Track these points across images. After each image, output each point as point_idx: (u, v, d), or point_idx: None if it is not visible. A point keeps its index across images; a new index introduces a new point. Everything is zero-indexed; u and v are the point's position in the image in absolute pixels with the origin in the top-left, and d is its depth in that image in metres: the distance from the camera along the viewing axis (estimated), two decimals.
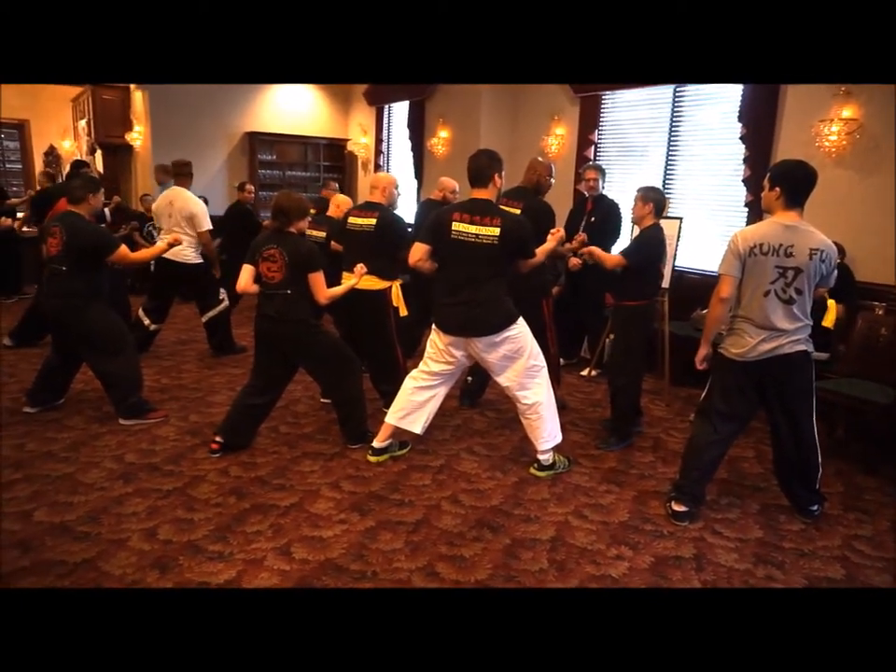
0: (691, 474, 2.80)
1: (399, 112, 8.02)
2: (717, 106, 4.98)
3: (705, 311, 4.45)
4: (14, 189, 10.70)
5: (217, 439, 3.22)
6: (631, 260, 3.36)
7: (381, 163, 8.32)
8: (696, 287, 4.82)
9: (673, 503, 2.80)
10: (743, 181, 4.65)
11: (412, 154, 7.53)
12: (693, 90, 5.13)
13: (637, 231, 3.60)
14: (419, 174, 7.49)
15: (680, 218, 4.39)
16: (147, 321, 4.76)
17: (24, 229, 6.92)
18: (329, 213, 4.27)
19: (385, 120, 8.26)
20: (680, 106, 5.23)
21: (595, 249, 3.51)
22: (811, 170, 2.52)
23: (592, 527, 2.72)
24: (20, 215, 6.90)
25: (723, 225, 4.96)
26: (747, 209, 4.67)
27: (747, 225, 4.23)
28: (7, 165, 10.96)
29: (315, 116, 8.74)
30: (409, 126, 7.49)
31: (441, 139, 7.09)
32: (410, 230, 4.06)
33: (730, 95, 4.81)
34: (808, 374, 2.67)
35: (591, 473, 3.23)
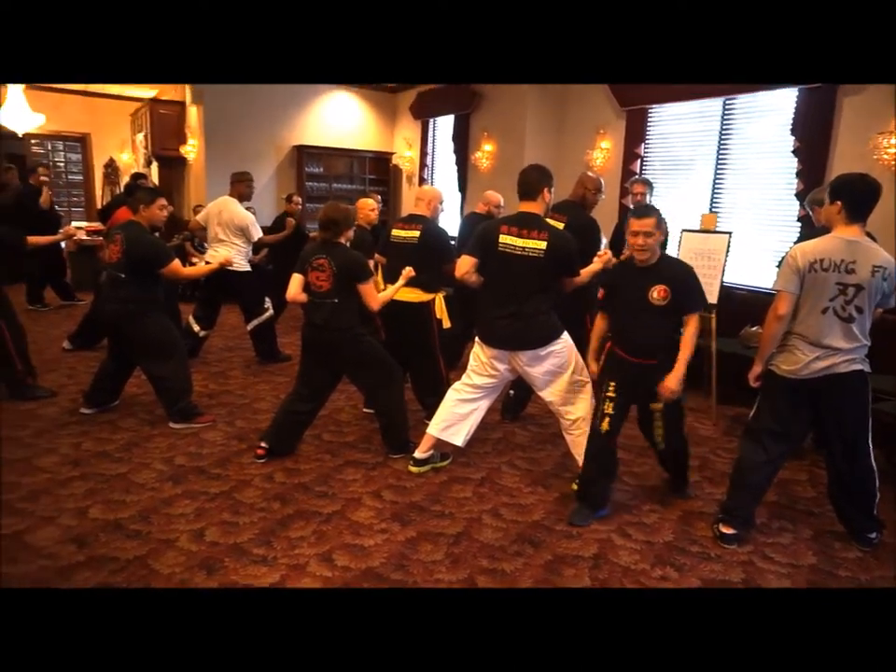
0: (739, 496, 2.72)
1: (444, 126, 8.11)
2: (768, 119, 4.88)
3: (754, 328, 4.37)
4: (75, 199, 11.23)
5: (263, 444, 3.29)
6: None
7: (425, 177, 8.41)
8: (745, 303, 4.71)
9: (721, 525, 2.73)
10: (796, 195, 4.54)
11: (456, 167, 7.59)
12: (743, 102, 5.05)
13: None
14: (463, 187, 7.55)
15: (729, 233, 4.30)
16: (196, 328, 4.90)
17: (83, 237, 7.25)
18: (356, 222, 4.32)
19: (430, 134, 8.36)
20: (730, 119, 5.14)
21: None
22: (874, 183, 2.44)
23: (635, 546, 2.66)
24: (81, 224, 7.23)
25: (775, 240, 4.84)
26: (800, 224, 4.55)
27: (799, 240, 4.12)
28: (70, 177, 11.49)
29: (361, 129, 8.90)
30: (454, 139, 7.56)
31: (485, 152, 7.13)
32: (452, 243, 4.09)
33: (782, 107, 4.71)
34: (864, 395, 2.57)
35: (634, 491, 3.17)
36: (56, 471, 3.06)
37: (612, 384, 2.78)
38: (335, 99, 8.59)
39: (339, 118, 8.68)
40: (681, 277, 2.72)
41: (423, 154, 8.43)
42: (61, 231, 6.48)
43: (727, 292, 4.58)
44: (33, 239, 4.17)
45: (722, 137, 5.18)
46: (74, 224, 8.13)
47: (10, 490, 2.86)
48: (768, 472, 2.72)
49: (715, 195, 5.26)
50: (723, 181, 5.23)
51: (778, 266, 2.67)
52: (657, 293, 2.68)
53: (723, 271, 4.21)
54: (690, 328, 2.75)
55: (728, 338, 4.47)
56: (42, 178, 6.58)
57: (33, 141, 10.86)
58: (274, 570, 2.36)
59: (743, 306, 4.66)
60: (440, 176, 8.35)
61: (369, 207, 4.26)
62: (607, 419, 2.76)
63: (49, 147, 11.40)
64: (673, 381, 2.68)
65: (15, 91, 8.35)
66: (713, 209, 5.23)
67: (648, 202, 4.60)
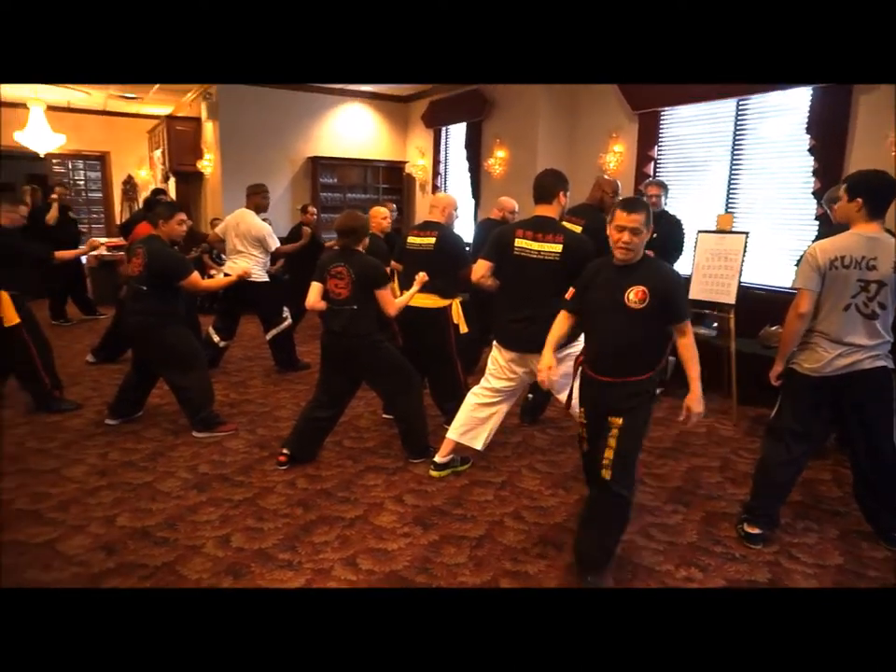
0: (763, 495, 2.70)
1: (456, 134, 8.17)
2: (783, 118, 4.86)
3: (774, 328, 4.33)
4: (94, 215, 11.45)
5: (285, 451, 3.33)
6: None
7: (438, 184, 8.47)
8: (763, 303, 4.67)
9: (745, 525, 2.71)
10: (813, 194, 4.51)
11: (469, 174, 7.64)
12: (756, 102, 5.03)
13: None
14: (476, 194, 7.58)
15: (746, 233, 4.28)
16: (216, 338, 4.97)
17: (104, 252, 7.40)
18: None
19: (443, 142, 8.42)
20: (744, 119, 5.13)
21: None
22: (892, 179, 2.44)
23: (658, 547, 2.65)
24: (102, 240, 7.37)
25: (793, 239, 4.80)
26: (818, 222, 4.52)
27: (817, 238, 4.09)
28: (90, 194, 11.73)
29: (374, 139, 8.99)
30: (466, 147, 7.61)
31: (497, 159, 7.16)
32: (467, 249, 4.12)
33: (797, 106, 4.69)
34: (889, 391, 2.54)
35: (656, 493, 3.16)
36: (84, 481, 3.12)
37: (583, 409, 2.53)
38: (348, 110, 8.69)
39: (352, 128, 8.78)
40: (664, 281, 2.33)
41: (436, 162, 8.49)
42: (82, 245, 6.66)
43: (745, 292, 4.54)
44: (60, 253, 4.27)
45: (737, 137, 5.17)
46: (94, 240, 8.30)
47: (41, 500, 2.92)
48: (792, 472, 2.70)
49: (731, 195, 5.24)
50: (739, 181, 5.21)
51: (797, 265, 2.66)
52: (634, 294, 2.31)
53: (741, 271, 4.19)
54: (686, 338, 2.39)
55: (747, 338, 4.44)
56: (53, 196, 6.77)
57: (54, 161, 11.12)
58: (300, 575, 2.39)
59: (761, 306, 4.63)
60: (453, 184, 8.40)
61: (381, 216, 4.31)
62: (585, 442, 2.56)
63: (70, 166, 11.66)
64: (694, 402, 2.40)
65: (37, 112, 8.57)
66: (729, 209, 5.21)
67: (663, 204, 4.59)
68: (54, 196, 6.75)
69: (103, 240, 8.32)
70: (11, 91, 8.74)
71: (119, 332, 5.17)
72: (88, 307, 7.16)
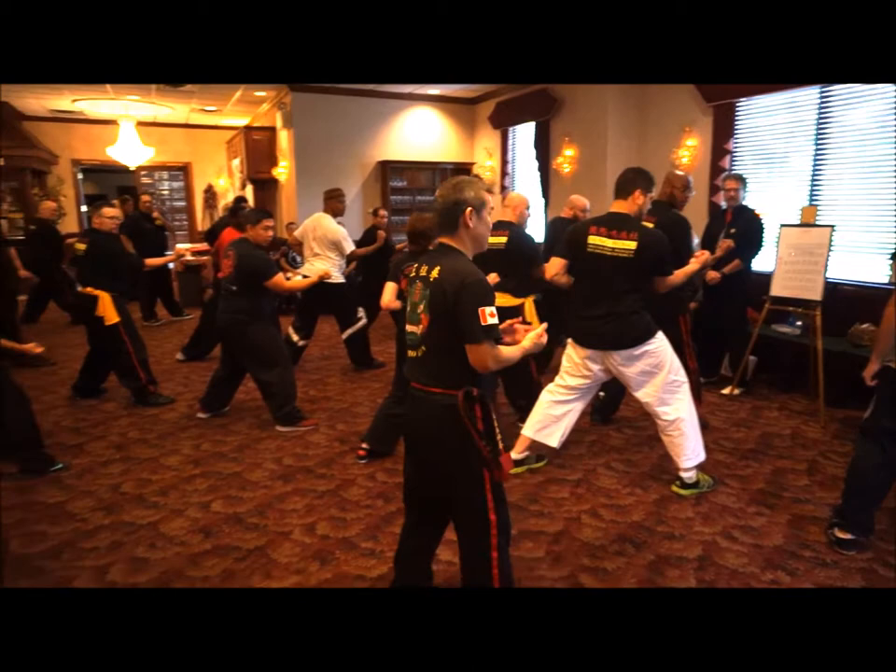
0: (856, 499, 2.59)
1: (524, 133, 8.17)
2: (870, 105, 4.61)
3: (865, 325, 4.13)
4: (177, 223, 12.10)
5: (364, 446, 3.45)
6: None
7: (506, 185, 8.49)
8: (852, 300, 4.46)
9: (836, 530, 2.60)
10: None
11: (538, 174, 7.62)
12: (841, 88, 4.79)
13: None
14: (546, 193, 7.56)
15: (832, 227, 4.09)
16: (296, 337, 5.18)
17: (189, 258, 7.83)
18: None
19: (510, 142, 8.44)
20: (827, 108, 4.90)
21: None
22: None
23: (743, 549, 2.59)
24: (185, 246, 7.82)
25: (883, 232, 4.55)
26: None
27: None
28: (173, 203, 12.43)
29: (442, 142, 9.11)
30: (535, 146, 7.60)
31: (566, 158, 7.12)
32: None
33: (885, 93, 4.44)
34: None
35: (738, 494, 3.08)
36: (181, 469, 3.34)
37: None
38: (416, 113, 8.85)
39: (420, 131, 8.93)
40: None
41: (503, 162, 8.52)
42: (169, 252, 7.09)
43: (832, 288, 4.35)
44: (150, 261, 4.71)
45: (820, 127, 4.94)
46: (178, 246, 8.82)
47: (144, 486, 3.16)
48: (887, 475, 2.57)
49: (814, 188, 5.01)
50: (822, 173, 4.98)
51: (893, 259, 2.54)
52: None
53: (826, 266, 4.01)
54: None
55: (835, 336, 4.25)
56: (146, 202, 7.27)
57: (142, 172, 11.84)
58: (382, 563, 2.48)
59: (849, 302, 4.41)
60: (521, 184, 8.40)
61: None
62: None
63: (156, 177, 12.38)
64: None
65: (127, 127, 9.16)
66: (812, 202, 4.99)
67: (741, 198, 4.46)
68: (147, 202, 7.25)
69: (186, 246, 8.82)
70: (102, 110, 9.38)
71: (205, 332, 5.50)
72: (175, 309, 7.61)
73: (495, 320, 1.76)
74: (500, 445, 1.86)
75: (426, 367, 1.85)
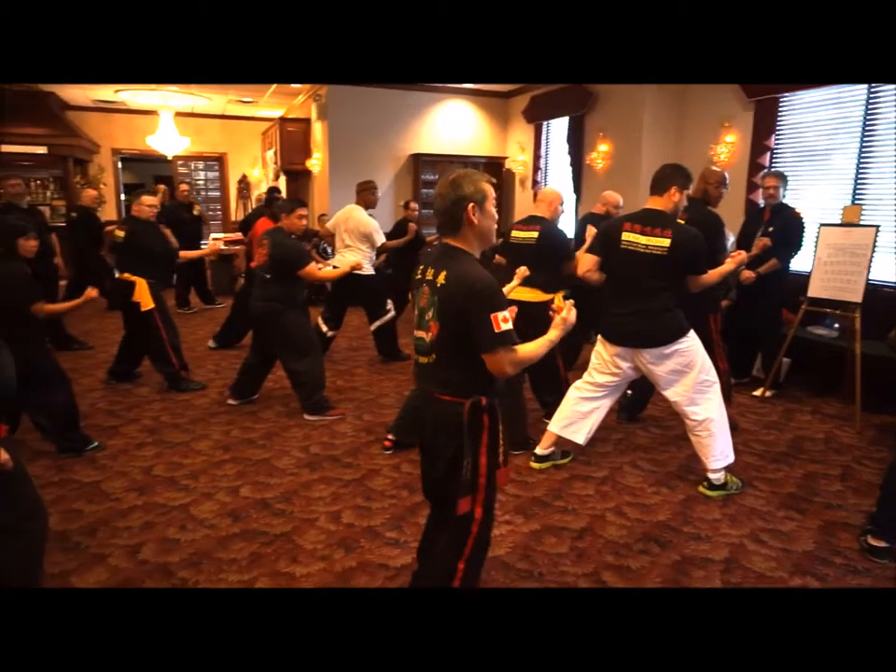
0: (891, 507, 2.52)
1: (557, 128, 8.09)
2: None
3: None
4: (211, 213, 12.31)
5: (390, 437, 3.47)
6: None
7: (538, 179, 8.43)
8: (893, 302, 4.32)
9: (870, 537, 2.54)
10: None
11: (570, 169, 7.55)
12: (890, 86, 4.63)
13: None
14: (578, 188, 7.49)
15: (877, 227, 3.97)
16: (325, 328, 5.23)
17: (222, 247, 7.98)
18: None
19: (544, 137, 8.36)
20: (876, 104, 4.74)
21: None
22: None
23: (771, 553, 2.55)
24: (219, 235, 7.95)
25: None
26: None
27: None
28: (209, 193, 12.64)
29: (474, 135, 9.08)
30: (568, 141, 7.52)
31: (600, 153, 7.04)
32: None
33: None
34: None
35: (767, 497, 3.02)
36: (211, 454, 3.41)
37: None
38: (449, 106, 8.83)
39: (452, 125, 8.91)
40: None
41: (536, 157, 8.45)
42: (204, 244, 7.23)
43: (873, 290, 4.23)
44: (184, 253, 4.81)
45: (867, 123, 4.79)
46: (213, 236, 8.99)
47: (175, 469, 3.23)
48: None
49: (858, 187, 4.87)
50: (867, 172, 4.83)
51: None
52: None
53: (869, 267, 3.89)
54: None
55: (874, 340, 4.13)
56: (184, 192, 7.42)
57: (179, 162, 12.07)
58: (406, 553, 2.50)
59: (890, 305, 4.28)
60: (553, 179, 8.33)
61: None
62: None
63: (192, 167, 12.60)
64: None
65: (167, 117, 9.34)
66: (855, 202, 4.85)
67: (781, 196, 4.35)
68: (184, 191, 7.42)
69: (220, 235, 8.97)
70: (142, 100, 9.57)
71: (236, 320, 5.60)
72: (208, 297, 7.75)
73: (508, 325, 1.71)
74: (501, 458, 1.84)
75: (436, 374, 1.81)
